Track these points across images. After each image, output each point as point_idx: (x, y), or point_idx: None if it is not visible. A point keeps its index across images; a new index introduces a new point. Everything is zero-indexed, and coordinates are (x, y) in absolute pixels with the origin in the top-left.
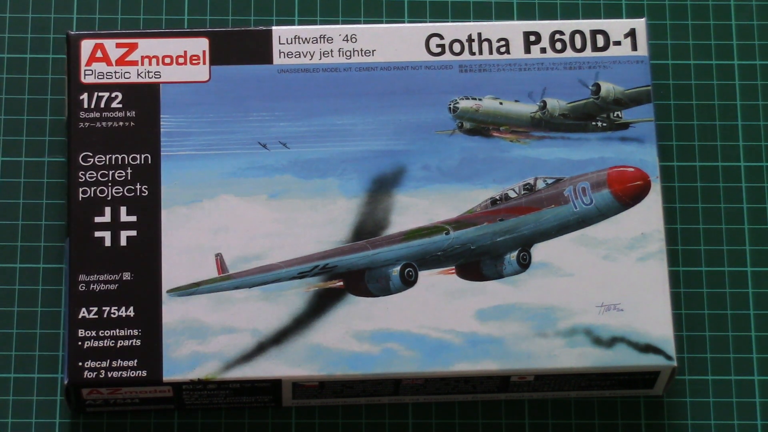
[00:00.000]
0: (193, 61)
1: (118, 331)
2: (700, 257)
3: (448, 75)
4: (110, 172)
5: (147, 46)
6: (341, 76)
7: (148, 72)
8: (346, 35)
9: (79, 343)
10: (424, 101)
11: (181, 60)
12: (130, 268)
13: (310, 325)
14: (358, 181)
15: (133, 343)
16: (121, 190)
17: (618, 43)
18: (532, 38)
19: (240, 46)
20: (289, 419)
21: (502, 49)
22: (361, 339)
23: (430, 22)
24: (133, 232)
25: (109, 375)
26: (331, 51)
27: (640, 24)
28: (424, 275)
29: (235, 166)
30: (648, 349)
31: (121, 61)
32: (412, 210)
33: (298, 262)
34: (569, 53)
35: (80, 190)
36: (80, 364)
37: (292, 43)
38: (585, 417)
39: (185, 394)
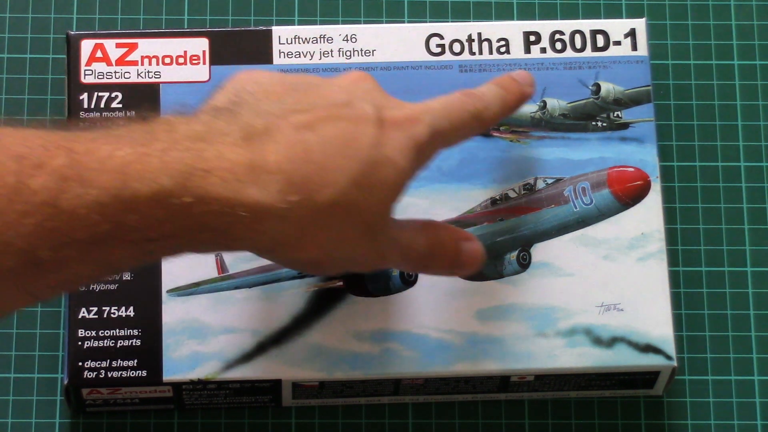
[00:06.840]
0: (193, 61)
1: (118, 331)
2: (700, 257)
3: (448, 75)
4: None
5: (147, 46)
6: None
7: (148, 72)
8: (346, 35)
9: (79, 343)
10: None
11: (181, 60)
12: None
13: (310, 325)
14: None
15: (133, 343)
16: None
17: (618, 43)
18: (532, 38)
19: (240, 46)
20: (289, 419)
21: (502, 49)
22: (361, 339)
23: (430, 22)
24: None
25: (109, 375)
26: (331, 51)
27: (640, 24)
28: (424, 275)
29: None
30: (648, 349)
31: (121, 61)
32: (412, 210)
33: None
34: (569, 53)
35: None
36: (80, 364)
37: (292, 43)
38: (585, 417)
39: (185, 394)
